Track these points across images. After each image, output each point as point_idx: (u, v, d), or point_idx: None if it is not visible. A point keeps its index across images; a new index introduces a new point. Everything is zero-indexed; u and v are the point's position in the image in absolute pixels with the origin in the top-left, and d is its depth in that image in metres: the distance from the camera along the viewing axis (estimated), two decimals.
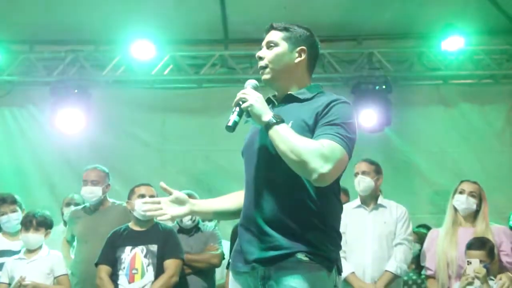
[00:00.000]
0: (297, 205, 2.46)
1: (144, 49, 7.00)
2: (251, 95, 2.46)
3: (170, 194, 2.68)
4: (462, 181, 4.68)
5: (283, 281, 2.40)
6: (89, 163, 5.33)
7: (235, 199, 2.73)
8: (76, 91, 7.05)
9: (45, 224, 4.79)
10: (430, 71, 7.37)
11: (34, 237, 4.72)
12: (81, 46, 7.28)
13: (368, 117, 6.90)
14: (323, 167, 2.32)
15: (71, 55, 7.23)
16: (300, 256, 2.41)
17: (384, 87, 7.02)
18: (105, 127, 7.25)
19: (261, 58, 2.63)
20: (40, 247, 4.77)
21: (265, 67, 2.62)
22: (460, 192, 4.58)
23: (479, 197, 4.56)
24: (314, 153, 2.33)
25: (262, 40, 2.69)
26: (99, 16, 6.80)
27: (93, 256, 4.65)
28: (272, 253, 2.43)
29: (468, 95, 7.35)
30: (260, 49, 2.67)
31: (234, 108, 2.48)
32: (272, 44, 2.63)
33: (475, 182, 4.66)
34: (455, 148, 7.16)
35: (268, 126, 2.40)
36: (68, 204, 5.84)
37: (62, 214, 5.90)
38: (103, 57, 7.35)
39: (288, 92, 2.64)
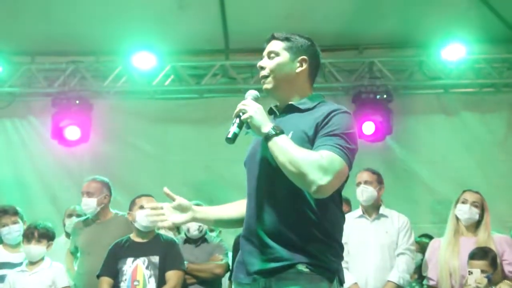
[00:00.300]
0: (298, 216, 2.45)
1: (145, 60, 7.02)
2: (251, 106, 2.45)
3: (173, 200, 2.66)
4: (464, 191, 4.68)
5: None
6: (91, 174, 5.34)
7: (238, 207, 2.71)
8: (77, 102, 7.07)
9: (47, 236, 4.78)
10: (431, 80, 7.37)
11: (35, 249, 4.70)
12: (82, 57, 7.30)
13: (369, 126, 6.91)
14: (322, 179, 2.31)
15: (72, 66, 7.25)
16: (301, 267, 2.40)
17: (385, 96, 7.03)
18: (107, 138, 7.26)
19: (262, 68, 2.63)
20: (42, 259, 4.75)
21: (267, 76, 2.61)
22: (463, 202, 4.57)
23: (482, 207, 4.56)
24: (313, 165, 2.31)
25: (263, 50, 2.69)
26: (100, 27, 6.82)
27: (96, 267, 4.64)
28: (273, 264, 2.42)
29: (469, 104, 7.34)
30: (261, 59, 2.66)
31: (234, 119, 2.47)
32: (273, 54, 2.62)
33: (477, 192, 4.65)
34: (457, 157, 7.14)
35: (267, 137, 2.40)
36: (70, 215, 5.84)
37: (64, 225, 5.90)
38: (104, 68, 7.37)
39: (289, 102, 2.63)
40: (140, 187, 6.05)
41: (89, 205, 5.05)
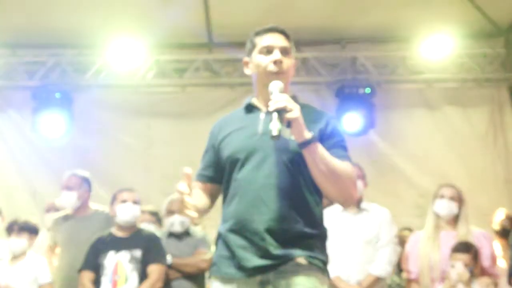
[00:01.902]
0: (298, 211, 2.47)
1: (127, 53, 6.96)
2: (295, 105, 2.38)
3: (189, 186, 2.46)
4: (441, 186, 4.70)
5: (283, 284, 2.40)
6: (72, 169, 5.29)
7: (202, 198, 2.64)
8: (58, 95, 6.99)
9: (28, 229, 4.75)
10: (414, 74, 7.40)
11: (16, 242, 4.68)
12: (63, 50, 7.23)
13: (352, 120, 6.93)
14: (356, 193, 2.53)
15: (53, 59, 7.18)
16: (300, 259, 2.43)
17: (367, 90, 7.05)
18: (88, 132, 7.19)
19: (281, 62, 2.56)
20: (24, 254, 4.71)
21: (283, 73, 2.56)
22: (441, 198, 4.60)
23: (459, 201, 4.59)
24: (352, 180, 2.49)
25: (245, 43, 2.67)
26: (82, 20, 6.76)
27: (76, 262, 4.61)
28: (272, 261, 2.42)
29: (452, 98, 7.39)
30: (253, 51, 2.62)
31: (273, 114, 2.34)
32: (287, 51, 2.60)
33: (454, 186, 4.69)
34: (439, 151, 7.19)
35: (308, 142, 2.39)
36: (48, 210, 5.79)
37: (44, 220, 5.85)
38: (85, 61, 7.29)
39: None
40: (123, 181, 6.03)
41: (69, 200, 5.02)
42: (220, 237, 2.58)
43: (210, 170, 2.68)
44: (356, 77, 7.16)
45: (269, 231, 2.42)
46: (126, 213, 4.58)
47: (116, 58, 7.02)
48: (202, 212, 2.61)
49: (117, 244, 4.54)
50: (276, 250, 2.41)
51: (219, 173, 2.64)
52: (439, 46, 6.93)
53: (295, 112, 2.35)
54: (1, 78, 7.22)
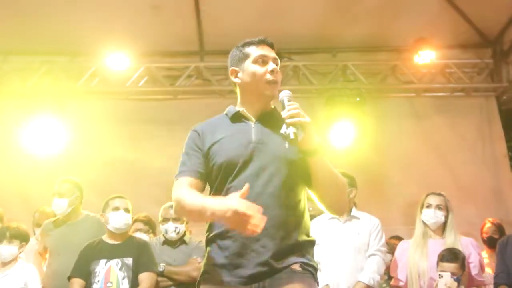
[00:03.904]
0: (296, 221, 2.52)
1: (119, 60, 6.98)
2: (305, 114, 2.46)
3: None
4: (427, 195, 4.72)
5: None
6: (63, 175, 5.28)
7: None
8: (50, 102, 6.99)
9: (19, 236, 4.73)
10: (403, 84, 7.47)
11: (7, 249, 4.65)
12: (56, 57, 7.25)
13: (342, 129, 6.96)
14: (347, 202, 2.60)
15: (45, 66, 7.19)
16: (295, 266, 2.46)
17: (358, 99, 7.09)
18: (80, 138, 7.19)
19: (276, 73, 2.63)
20: (15, 261, 4.70)
21: (277, 83, 2.64)
22: (427, 207, 4.63)
23: (446, 209, 4.63)
24: (346, 190, 2.61)
25: None
26: (74, 28, 6.78)
27: (66, 268, 4.58)
28: (269, 268, 2.43)
29: (440, 107, 7.46)
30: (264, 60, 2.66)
31: (288, 120, 2.41)
32: (277, 63, 2.67)
33: (440, 194, 4.72)
34: (428, 160, 7.23)
35: (319, 150, 2.46)
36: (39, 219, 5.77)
37: (34, 226, 5.83)
38: (78, 68, 7.32)
39: (268, 110, 2.67)
40: (114, 188, 6.01)
41: (60, 205, 4.99)
42: (211, 244, 2.56)
43: (202, 168, 2.62)
44: (347, 86, 7.20)
45: (269, 237, 2.43)
46: (118, 221, 4.56)
47: (108, 65, 7.03)
48: None
49: (108, 251, 4.52)
50: (273, 257, 2.43)
51: (208, 174, 2.62)
52: (428, 56, 6.98)
53: (307, 119, 2.43)
54: None
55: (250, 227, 2.21)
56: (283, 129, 2.42)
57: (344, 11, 6.83)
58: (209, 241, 2.58)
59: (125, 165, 7.27)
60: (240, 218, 2.21)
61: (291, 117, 2.41)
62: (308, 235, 2.57)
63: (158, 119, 7.41)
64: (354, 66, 7.34)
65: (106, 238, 4.64)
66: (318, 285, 2.56)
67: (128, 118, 7.38)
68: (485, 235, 6.01)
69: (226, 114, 2.73)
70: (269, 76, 2.60)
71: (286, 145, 2.45)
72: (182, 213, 2.79)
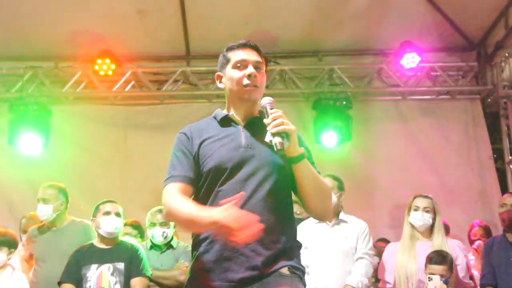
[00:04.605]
0: (285, 225, 2.53)
1: (105, 65, 6.96)
2: (288, 120, 2.45)
3: None
4: (415, 197, 4.77)
5: None
6: (49, 180, 5.25)
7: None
8: (35, 107, 6.96)
9: (7, 243, 4.69)
10: (389, 87, 7.51)
11: None
12: (40, 62, 7.21)
13: (328, 132, 6.98)
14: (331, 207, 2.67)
15: (30, 72, 7.15)
16: (283, 270, 2.46)
17: (344, 102, 7.11)
18: (66, 144, 7.15)
19: (254, 77, 2.61)
20: (3, 267, 4.66)
21: (256, 87, 2.62)
22: (415, 210, 4.67)
23: (433, 211, 4.66)
24: (330, 195, 2.62)
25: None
26: (59, 33, 6.76)
27: (52, 275, 4.55)
28: (258, 272, 2.43)
29: (426, 110, 7.49)
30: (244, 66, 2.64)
31: (272, 129, 2.41)
32: (260, 67, 2.65)
33: (427, 196, 4.76)
34: (414, 163, 7.25)
35: (303, 156, 2.47)
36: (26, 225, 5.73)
37: (21, 233, 5.79)
38: (63, 74, 7.28)
39: (255, 115, 2.67)
40: (100, 193, 5.99)
41: (45, 211, 4.95)
42: (198, 248, 2.54)
43: (191, 173, 2.59)
44: (333, 89, 7.23)
45: (259, 242, 2.41)
46: (110, 225, 4.54)
47: (94, 70, 7.00)
48: None
49: (99, 256, 4.48)
50: (263, 262, 2.44)
51: (196, 178, 2.60)
52: (413, 60, 7.03)
53: (291, 126, 2.43)
54: None
55: (239, 238, 2.19)
56: (268, 138, 2.42)
57: (330, 15, 6.85)
58: (196, 245, 2.56)
59: (111, 170, 7.24)
60: (225, 230, 2.20)
61: (276, 126, 2.40)
62: (295, 239, 2.59)
63: (145, 124, 7.39)
64: (340, 70, 7.36)
65: (96, 242, 4.61)
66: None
67: (114, 123, 7.36)
68: (473, 238, 6.03)
69: (214, 117, 2.72)
70: (245, 81, 2.59)
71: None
72: (173, 221, 2.82)
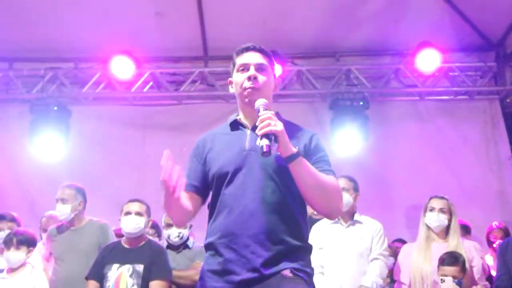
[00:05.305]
0: (288, 226, 2.53)
1: (123, 66, 7.03)
2: (277, 121, 2.44)
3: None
4: (431, 198, 4.76)
5: None
6: (68, 180, 5.32)
7: (188, 202, 2.65)
8: (55, 108, 7.05)
9: (26, 242, 4.75)
10: (407, 87, 7.48)
11: (14, 255, 4.68)
12: (60, 63, 7.30)
13: (345, 132, 6.98)
14: (342, 205, 2.66)
15: (50, 73, 7.25)
16: (286, 272, 2.46)
17: (361, 103, 7.09)
18: (85, 144, 7.23)
19: (254, 79, 2.63)
20: (23, 266, 4.73)
21: (257, 89, 2.63)
22: (431, 210, 4.66)
23: (449, 212, 4.64)
24: (339, 194, 2.60)
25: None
26: (79, 34, 6.83)
27: (71, 274, 4.61)
28: (259, 274, 2.45)
29: (444, 111, 7.45)
30: (245, 68, 2.67)
31: (261, 131, 2.39)
32: (263, 68, 2.67)
33: (443, 197, 4.74)
34: (431, 163, 7.20)
35: (295, 156, 2.45)
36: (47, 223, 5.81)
37: (41, 231, 5.87)
38: (82, 75, 7.37)
39: None
40: (119, 193, 6.05)
41: (63, 211, 5.02)
42: (207, 250, 2.61)
43: (197, 181, 2.69)
44: (350, 90, 7.22)
45: (259, 244, 2.46)
46: (127, 225, 4.55)
47: (113, 71, 7.08)
48: (186, 213, 2.64)
49: (122, 256, 4.48)
50: (263, 263, 2.45)
51: (205, 186, 2.69)
52: (431, 60, 7.00)
53: (279, 126, 2.41)
54: None
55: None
56: (258, 141, 2.41)
57: (347, 15, 6.85)
58: (206, 248, 2.64)
59: (130, 170, 7.30)
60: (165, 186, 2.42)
61: (262, 128, 2.39)
62: (302, 241, 2.56)
63: (163, 124, 7.45)
64: (358, 70, 7.35)
65: (123, 241, 4.62)
66: None
67: (133, 123, 7.42)
68: (493, 240, 5.98)
69: (228, 122, 2.78)
70: (245, 83, 2.63)
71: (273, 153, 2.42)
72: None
